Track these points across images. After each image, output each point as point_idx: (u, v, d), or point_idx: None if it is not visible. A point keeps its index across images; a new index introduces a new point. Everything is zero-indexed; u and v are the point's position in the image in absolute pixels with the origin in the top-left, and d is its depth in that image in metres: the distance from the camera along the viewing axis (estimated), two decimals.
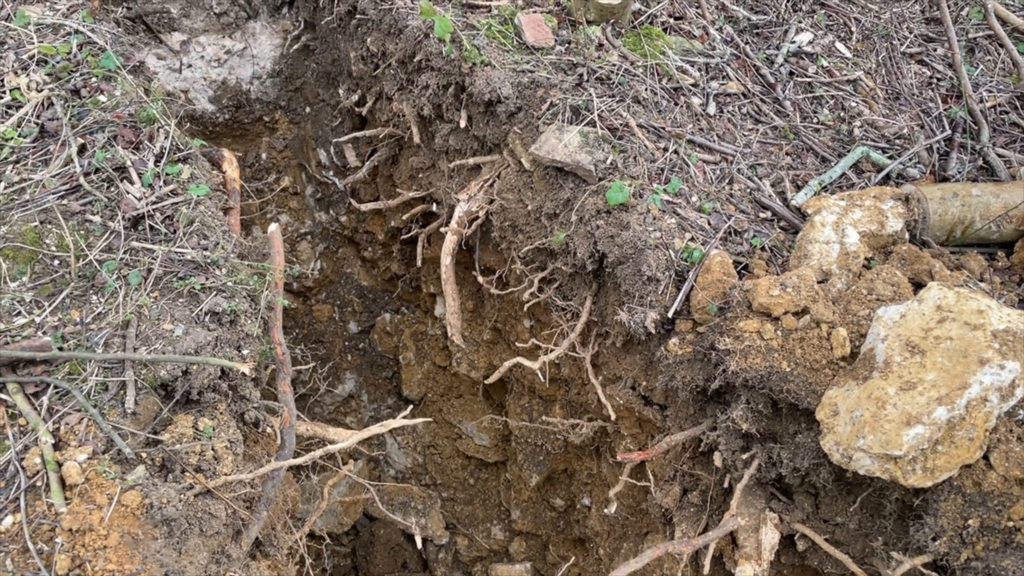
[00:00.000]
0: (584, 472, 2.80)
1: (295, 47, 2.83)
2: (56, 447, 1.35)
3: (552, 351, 2.08)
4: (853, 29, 2.65)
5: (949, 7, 2.72)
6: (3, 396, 1.40)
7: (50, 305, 1.52)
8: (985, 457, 1.42)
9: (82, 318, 1.51)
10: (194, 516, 1.41)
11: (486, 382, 2.44)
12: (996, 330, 1.42)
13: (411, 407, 2.06)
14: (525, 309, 2.25)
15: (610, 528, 2.63)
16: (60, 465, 1.32)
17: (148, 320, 1.51)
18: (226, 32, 2.80)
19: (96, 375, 1.43)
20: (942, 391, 1.38)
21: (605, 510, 2.43)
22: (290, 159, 3.11)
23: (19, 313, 1.51)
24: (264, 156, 3.08)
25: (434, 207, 2.55)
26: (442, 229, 2.31)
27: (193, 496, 1.42)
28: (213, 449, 1.50)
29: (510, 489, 3.24)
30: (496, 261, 2.47)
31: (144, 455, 1.40)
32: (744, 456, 1.76)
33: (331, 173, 3.10)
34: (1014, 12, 2.71)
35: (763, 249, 1.89)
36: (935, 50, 2.64)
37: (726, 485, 1.89)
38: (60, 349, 1.44)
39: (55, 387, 1.41)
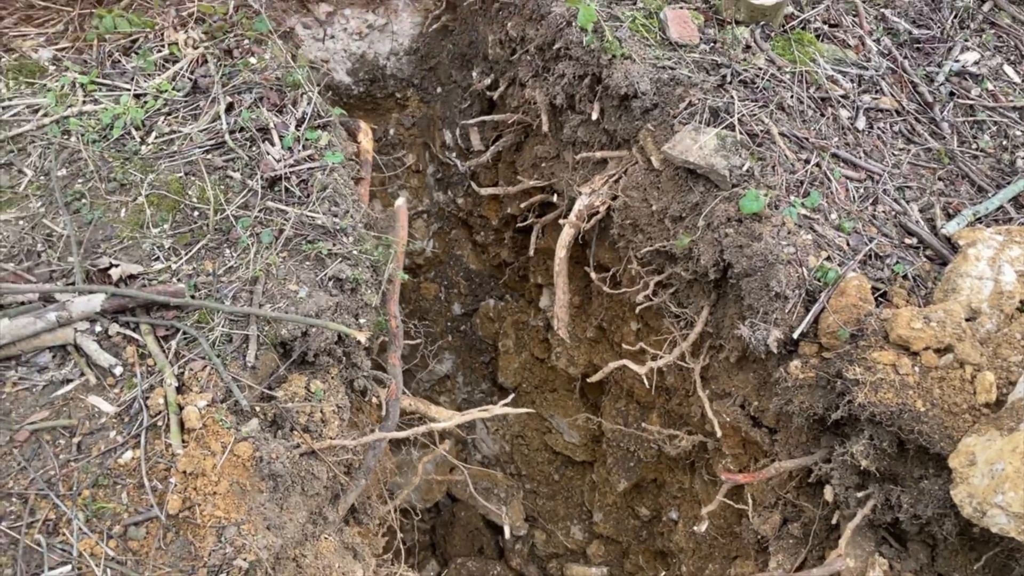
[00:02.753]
0: (675, 485, 2.72)
1: (434, 26, 2.85)
2: (179, 390, 1.40)
3: (661, 358, 2.02)
4: (1023, 51, 2.45)
5: None
6: (136, 335, 1.47)
7: (187, 254, 1.58)
8: None
9: (215, 270, 1.56)
10: (298, 475, 1.44)
11: (589, 380, 2.40)
12: None
13: (511, 396, 2.03)
14: (636, 311, 2.19)
15: (696, 546, 2.54)
16: (181, 408, 1.37)
17: (275, 279, 1.55)
18: (370, 6, 2.85)
19: (222, 326, 1.47)
20: None
21: (695, 527, 2.35)
22: (416, 137, 3.15)
23: (157, 258, 1.57)
24: (392, 132, 3.13)
25: (554, 198, 2.52)
26: (560, 221, 2.28)
27: (299, 455, 1.45)
28: (322, 412, 1.52)
29: (594, 491, 3.19)
30: (610, 259, 2.42)
31: (258, 408, 1.44)
32: (859, 495, 1.65)
33: (454, 155, 3.12)
34: None
35: (905, 277, 1.77)
36: None
37: (833, 521, 1.78)
38: (192, 297, 1.49)
39: (184, 333, 1.46)
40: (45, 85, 1.85)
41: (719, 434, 1.94)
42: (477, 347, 3.51)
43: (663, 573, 2.61)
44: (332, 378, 1.58)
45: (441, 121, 3.09)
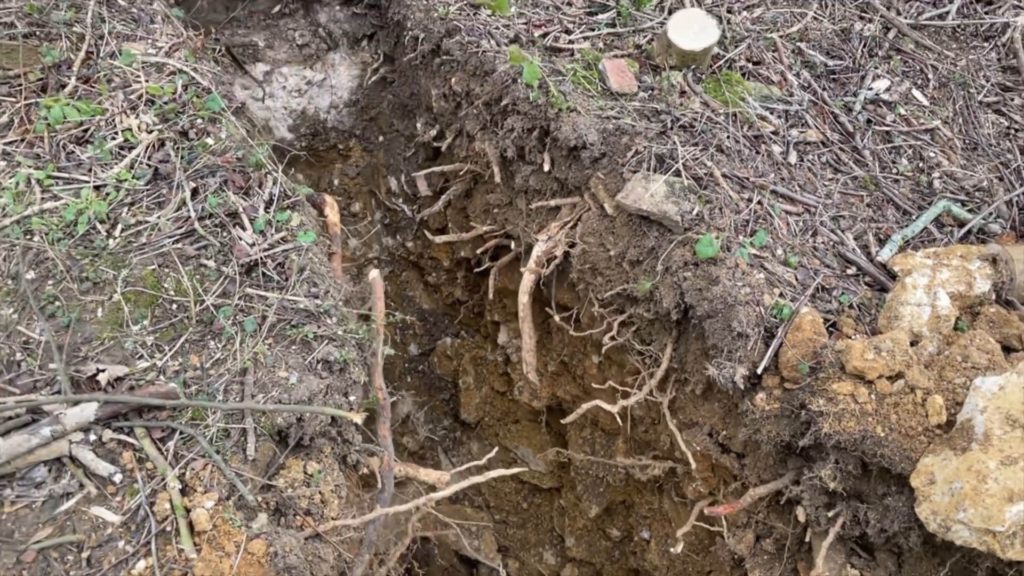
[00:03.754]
0: (645, 506, 2.83)
1: (373, 79, 2.90)
2: (183, 492, 1.42)
3: (632, 395, 2.12)
4: (930, 76, 2.66)
5: None
6: (131, 440, 1.47)
7: (171, 350, 1.59)
8: None
9: (202, 363, 1.57)
10: (307, 561, 1.47)
11: (563, 422, 2.48)
12: None
13: (490, 455, 2.10)
14: (603, 352, 2.29)
15: (670, 564, 2.66)
16: (188, 511, 1.39)
17: (264, 367, 1.57)
18: (307, 63, 2.87)
19: (219, 421, 1.49)
20: None
21: (671, 549, 2.46)
22: (361, 186, 3.18)
23: (142, 356, 1.57)
24: (336, 182, 3.15)
25: (511, 244, 2.59)
26: (521, 268, 2.36)
27: (304, 540, 1.48)
28: (321, 493, 1.56)
29: (564, 516, 3.28)
30: (570, 299, 2.51)
31: (260, 499, 1.46)
32: (829, 513, 1.79)
33: (400, 200, 3.16)
34: None
35: (851, 307, 1.91)
36: (1012, 100, 2.64)
37: (806, 538, 1.91)
38: (185, 395, 1.51)
39: (180, 432, 1.47)
40: (0, 183, 1.82)
41: (694, 465, 2.05)
42: (436, 385, 3.55)
43: None
44: (326, 456, 1.61)
45: (385, 168, 3.12)
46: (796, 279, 1.95)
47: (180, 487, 1.42)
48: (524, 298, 2.37)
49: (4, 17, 2.21)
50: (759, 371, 1.82)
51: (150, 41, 2.24)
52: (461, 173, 2.64)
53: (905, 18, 2.79)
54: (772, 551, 2.06)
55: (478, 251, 2.74)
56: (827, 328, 1.85)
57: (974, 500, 1.43)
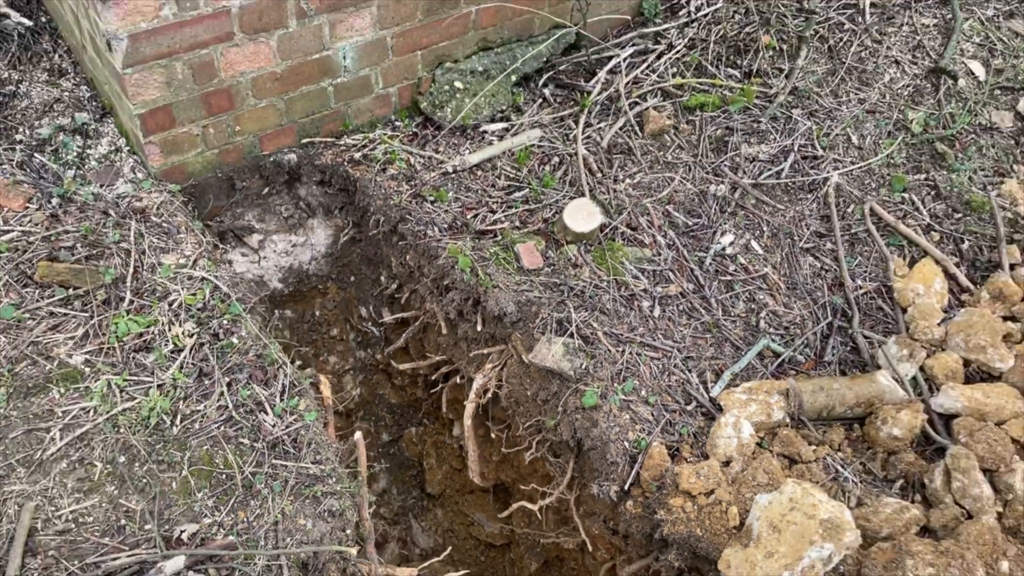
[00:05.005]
0: (572, 561, 3.67)
1: (344, 239, 3.69)
2: None
3: (548, 495, 2.95)
4: (765, 228, 3.52)
5: (837, 205, 3.61)
6: None
7: (225, 510, 2.37)
8: None
9: (247, 518, 2.36)
10: None
11: (500, 517, 3.30)
12: (822, 519, 2.29)
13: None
14: (526, 460, 3.12)
15: None
16: None
17: (289, 518, 2.37)
18: (292, 231, 3.66)
19: (263, 560, 2.28)
20: (789, 559, 2.26)
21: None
22: (338, 315, 3.97)
23: (206, 516, 2.36)
24: (317, 313, 3.93)
25: (457, 377, 3.41)
26: (465, 401, 3.17)
27: None
28: None
29: (513, 566, 4.11)
30: (504, 415, 3.33)
31: None
32: None
33: (369, 323, 3.96)
34: (887, 209, 3.60)
35: (690, 435, 2.76)
36: (825, 244, 3.52)
37: None
38: (239, 546, 2.30)
39: (238, 570, 2.26)
40: (88, 388, 2.59)
41: (590, 548, 2.88)
42: (405, 464, 4.35)
43: None
44: (332, 574, 2.41)
45: (356, 300, 3.92)
46: (652, 415, 2.79)
47: None
48: (468, 421, 3.19)
49: (67, 243, 2.97)
50: (626, 487, 2.66)
51: (179, 252, 3.02)
52: (417, 320, 3.45)
53: (748, 178, 3.66)
54: None
55: (432, 378, 3.55)
56: (671, 454, 2.69)
57: None
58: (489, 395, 3.16)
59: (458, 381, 3.49)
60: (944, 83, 4.03)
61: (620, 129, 3.80)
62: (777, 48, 4.14)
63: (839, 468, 2.69)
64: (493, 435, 3.29)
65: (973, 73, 4.11)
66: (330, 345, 3.98)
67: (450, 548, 3.76)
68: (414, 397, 4.15)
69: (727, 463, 2.63)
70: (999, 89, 4.07)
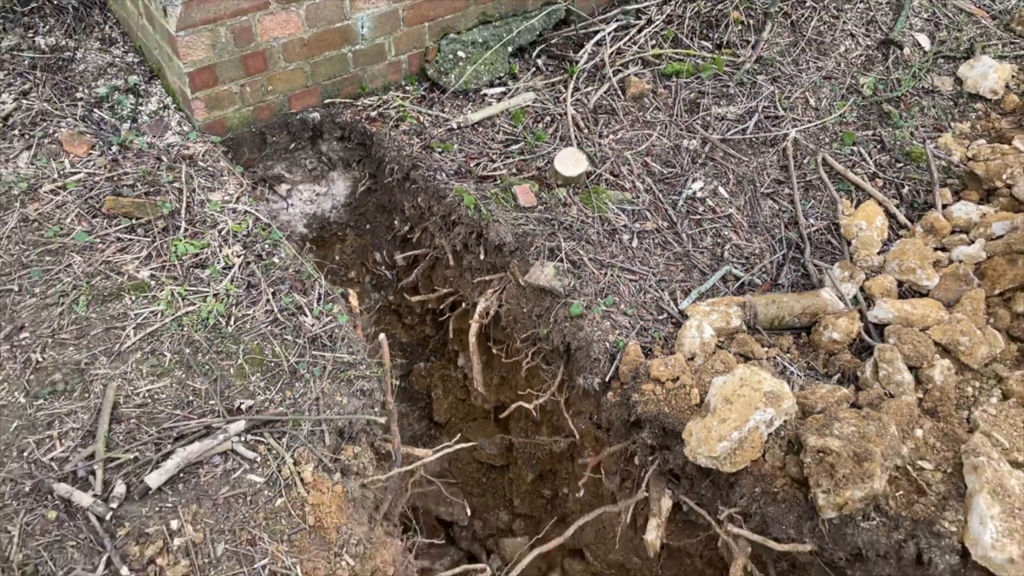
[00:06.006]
0: (563, 471, 4.16)
1: (362, 189, 4.19)
2: (295, 464, 2.70)
3: (540, 396, 3.45)
4: (731, 177, 4.03)
5: (795, 157, 4.12)
6: (261, 439, 2.74)
7: (275, 390, 2.87)
8: (762, 455, 2.80)
9: (294, 396, 2.85)
10: (361, 497, 2.76)
11: (500, 416, 3.80)
12: (766, 391, 2.79)
13: (457, 438, 3.40)
14: (523, 370, 3.61)
15: (581, 507, 3.99)
16: (300, 474, 2.67)
17: (328, 395, 2.86)
18: (315, 181, 4.15)
19: (308, 426, 2.78)
20: (737, 423, 2.76)
21: (576, 494, 3.80)
22: (355, 259, 4.46)
23: (259, 394, 2.85)
24: (337, 258, 4.42)
25: (462, 301, 3.91)
26: (470, 321, 3.67)
27: (359, 486, 2.78)
28: (362, 462, 2.85)
29: (512, 484, 4.60)
30: (503, 336, 3.83)
31: (334, 466, 2.75)
32: (650, 457, 3.13)
33: (383, 267, 4.45)
34: (838, 160, 4.11)
35: (660, 338, 3.26)
36: (783, 190, 4.03)
37: (644, 475, 3.25)
38: (288, 413, 2.79)
39: (289, 435, 2.76)
40: (155, 296, 3.08)
41: (579, 437, 3.38)
42: (414, 397, 4.84)
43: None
44: (364, 443, 2.91)
45: (371, 246, 4.41)
46: (629, 323, 3.29)
47: (292, 462, 2.70)
48: (472, 339, 3.69)
49: (128, 182, 3.46)
50: (607, 380, 3.15)
51: (224, 191, 3.51)
52: (426, 256, 3.94)
53: (717, 134, 4.17)
54: (631, 486, 3.40)
55: (441, 307, 4.05)
56: (644, 352, 3.19)
57: (706, 442, 2.78)
58: (490, 317, 3.65)
59: (464, 310, 3.98)
60: (893, 52, 4.55)
61: (605, 93, 4.30)
62: (745, 23, 4.65)
63: (787, 365, 3.19)
64: (494, 352, 3.79)
65: (919, 44, 4.62)
66: (348, 287, 4.46)
67: (460, 455, 4.26)
68: (423, 335, 4.64)
69: (691, 358, 3.13)
70: (942, 58, 4.58)
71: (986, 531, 2.40)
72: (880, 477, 2.55)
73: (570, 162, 3.69)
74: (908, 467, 2.69)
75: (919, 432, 2.83)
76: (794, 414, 2.83)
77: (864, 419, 2.73)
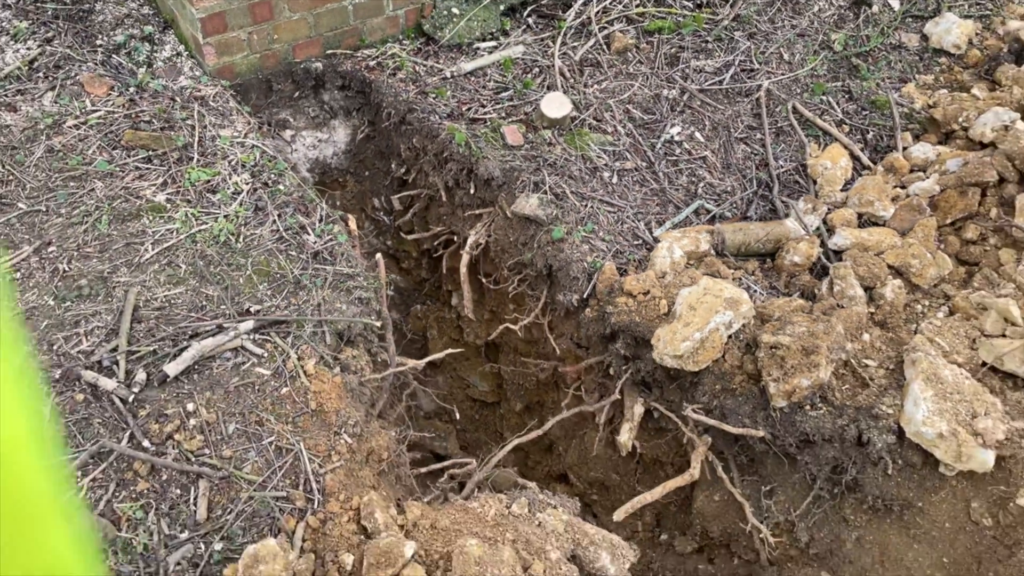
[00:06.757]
0: (549, 401, 4.44)
1: (361, 136, 4.46)
2: (299, 359, 2.98)
3: (525, 319, 3.73)
4: (707, 123, 4.30)
5: (767, 105, 4.39)
6: (268, 338, 3.03)
7: (280, 297, 3.15)
8: (723, 356, 3.07)
9: (298, 302, 3.14)
10: (358, 390, 3.05)
11: (488, 339, 4.08)
12: (726, 297, 3.07)
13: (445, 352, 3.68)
14: (510, 297, 3.89)
15: (564, 432, 4.27)
16: (303, 367, 2.95)
17: (329, 302, 3.14)
18: (318, 128, 4.43)
19: (310, 327, 3.06)
20: (699, 325, 3.03)
21: (561, 414, 4.07)
22: (355, 204, 4.74)
23: (266, 300, 3.13)
24: (338, 203, 4.70)
25: (454, 237, 4.19)
26: (461, 251, 3.95)
27: (357, 383, 3.06)
28: (359, 364, 3.13)
29: (503, 419, 4.88)
30: (492, 268, 4.11)
31: (334, 362, 3.03)
32: (624, 367, 3.41)
33: (381, 213, 4.73)
34: (808, 108, 4.38)
35: (635, 260, 3.54)
36: (755, 135, 4.30)
37: (618, 384, 3.53)
38: (293, 315, 3.08)
39: (294, 335, 3.04)
40: (171, 216, 3.36)
41: (559, 353, 3.66)
42: (411, 338, 5.12)
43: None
44: (361, 347, 3.19)
45: (370, 192, 4.69)
46: (606, 247, 3.57)
47: (297, 357, 2.98)
48: (463, 269, 3.97)
49: (144, 118, 3.74)
50: (585, 297, 3.43)
51: (233, 128, 3.79)
52: (421, 196, 4.22)
53: (695, 85, 4.44)
54: (600, 391, 3.67)
55: (435, 243, 4.33)
56: (620, 272, 3.46)
57: (671, 343, 3.06)
58: (480, 249, 3.93)
59: (456, 248, 4.26)
60: (864, 11, 4.81)
61: (591, 48, 4.57)
62: None
63: (751, 285, 3.47)
64: (485, 285, 4.07)
65: (889, 4, 4.88)
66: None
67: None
68: (419, 278, 4.92)
69: (662, 276, 3.40)
70: (910, 17, 4.84)
71: (919, 411, 2.68)
72: (825, 368, 2.83)
73: (555, 105, 3.96)
74: (854, 364, 2.96)
75: (867, 336, 3.10)
76: (752, 319, 3.10)
77: (815, 321, 3.01)
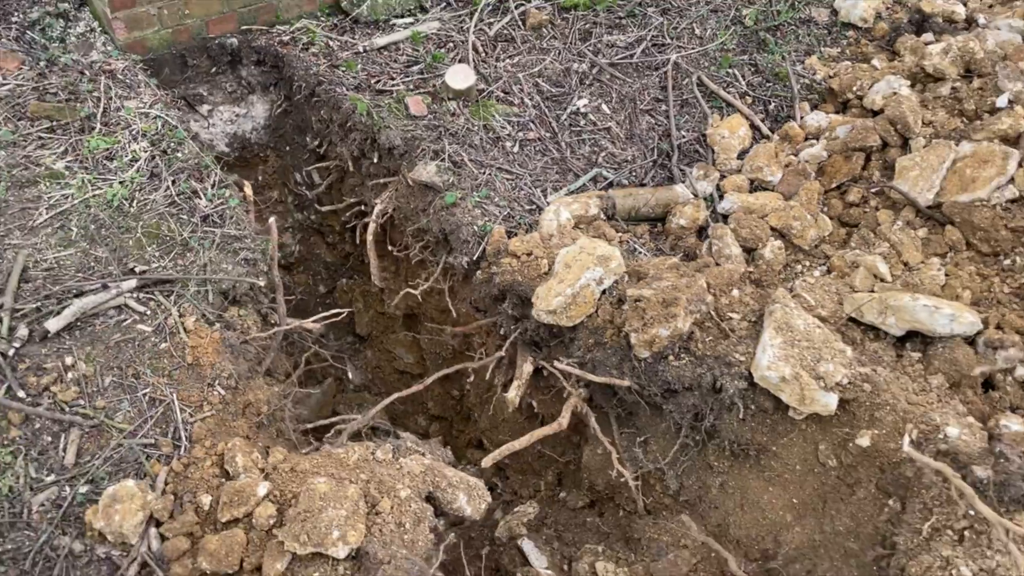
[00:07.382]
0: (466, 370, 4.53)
1: (278, 111, 4.55)
2: (180, 316, 3.07)
3: (424, 284, 3.82)
4: (614, 96, 4.39)
5: (674, 78, 4.47)
6: (152, 297, 3.12)
7: (168, 258, 3.24)
8: (596, 311, 3.16)
9: (185, 264, 3.23)
10: (240, 348, 3.14)
11: (404, 310, 4.18)
12: (599, 255, 3.16)
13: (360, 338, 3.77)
14: (414, 264, 3.99)
15: (477, 400, 4.36)
16: (183, 324, 3.04)
17: (216, 263, 3.23)
18: (236, 103, 4.52)
19: (194, 286, 3.15)
20: (572, 281, 3.12)
21: (468, 380, 4.17)
22: (277, 179, 4.83)
23: (154, 262, 3.22)
24: (260, 178, 4.79)
25: (364, 208, 4.28)
26: (366, 220, 4.04)
27: (240, 342, 3.15)
28: (246, 323, 3.22)
29: (427, 390, 4.96)
30: (399, 237, 4.20)
31: (217, 321, 3.12)
32: (513, 326, 3.50)
33: (303, 187, 4.82)
34: (713, 81, 4.47)
35: (526, 224, 3.63)
36: (661, 107, 4.38)
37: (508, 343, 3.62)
38: (177, 275, 3.16)
39: (177, 293, 3.13)
40: (67, 183, 3.45)
41: (455, 314, 3.75)
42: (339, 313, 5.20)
43: None
44: (249, 307, 3.28)
45: (291, 167, 4.78)
46: (498, 212, 3.66)
47: (179, 314, 3.07)
48: (369, 237, 4.06)
49: (52, 90, 3.83)
50: (476, 259, 3.52)
51: (139, 99, 3.88)
52: (333, 168, 4.31)
53: (605, 59, 4.53)
54: (504, 359, 3.77)
55: (348, 215, 4.42)
56: (509, 236, 3.55)
57: (546, 300, 3.15)
58: (386, 217, 4.02)
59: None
60: None
61: (506, 24, 4.66)
62: None
63: (638, 247, 3.56)
64: (395, 254, 4.16)
65: None
66: (271, 207, 4.83)
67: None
68: (344, 253, 5.01)
69: (548, 238, 3.49)
70: None
71: (765, 356, 2.77)
72: (684, 318, 2.92)
73: (460, 76, 4.05)
74: (718, 317, 3.06)
75: (736, 292, 3.19)
76: (626, 276, 3.19)
77: (680, 276, 3.10)
